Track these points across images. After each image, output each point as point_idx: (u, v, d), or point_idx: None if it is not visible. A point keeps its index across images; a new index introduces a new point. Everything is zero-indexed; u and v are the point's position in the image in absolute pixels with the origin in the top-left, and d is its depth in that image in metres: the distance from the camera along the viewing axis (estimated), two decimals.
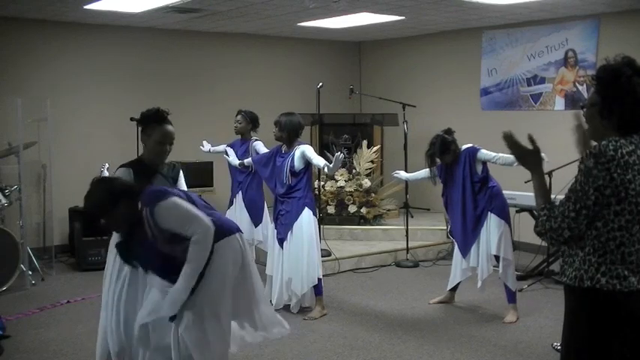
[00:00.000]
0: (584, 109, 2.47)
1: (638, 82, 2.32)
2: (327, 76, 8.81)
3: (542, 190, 2.46)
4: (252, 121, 6.44)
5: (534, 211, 6.31)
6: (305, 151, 5.27)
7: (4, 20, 7.26)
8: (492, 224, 5.24)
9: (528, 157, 2.49)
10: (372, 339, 4.89)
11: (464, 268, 5.45)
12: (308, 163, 5.30)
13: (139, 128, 3.81)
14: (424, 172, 5.59)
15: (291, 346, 4.74)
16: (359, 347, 4.72)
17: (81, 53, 7.83)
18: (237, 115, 6.51)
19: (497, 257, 5.26)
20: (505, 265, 5.23)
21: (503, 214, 5.28)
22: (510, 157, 5.20)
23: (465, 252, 5.38)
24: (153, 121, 3.75)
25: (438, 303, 5.74)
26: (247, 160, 6.08)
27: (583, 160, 2.33)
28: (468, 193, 5.27)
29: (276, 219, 5.47)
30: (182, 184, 3.90)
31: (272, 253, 5.52)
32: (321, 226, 6.82)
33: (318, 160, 5.23)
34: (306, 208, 5.30)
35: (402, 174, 5.97)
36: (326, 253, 6.69)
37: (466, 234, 5.34)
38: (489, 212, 5.25)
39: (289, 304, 5.46)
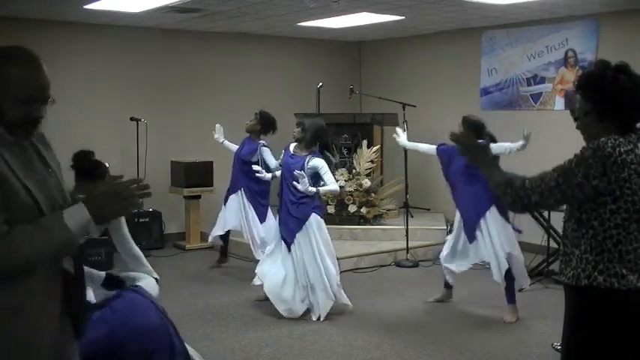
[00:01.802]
0: (577, 120, 2.50)
1: (624, 79, 2.37)
2: (327, 76, 8.82)
3: (496, 173, 2.49)
4: (262, 124, 6.40)
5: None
6: (318, 166, 5.20)
7: (4, 20, 7.26)
8: (493, 221, 5.22)
9: (474, 154, 2.54)
10: (372, 339, 4.89)
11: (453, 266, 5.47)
12: (317, 176, 5.24)
13: None
14: (427, 147, 5.62)
15: (291, 346, 4.74)
16: (359, 347, 4.72)
17: (81, 53, 7.83)
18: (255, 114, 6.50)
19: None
20: (516, 262, 5.25)
21: (505, 214, 5.26)
22: (502, 145, 5.17)
23: (471, 237, 5.31)
24: None
25: (436, 302, 5.75)
26: (279, 173, 5.80)
27: (582, 150, 2.35)
28: (477, 179, 5.17)
29: (281, 221, 5.40)
30: None
31: (276, 253, 5.46)
32: None
33: (329, 179, 5.20)
34: (313, 214, 5.28)
35: (403, 138, 5.83)
36: None
37: (471, 218, 5.29)
38: (493, 207, 5.20)
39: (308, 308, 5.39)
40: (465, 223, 5.37)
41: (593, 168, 2.29)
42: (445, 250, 5.55)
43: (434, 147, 5.59)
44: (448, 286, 5.72)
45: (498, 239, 5.19)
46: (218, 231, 6.73)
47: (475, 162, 2.56)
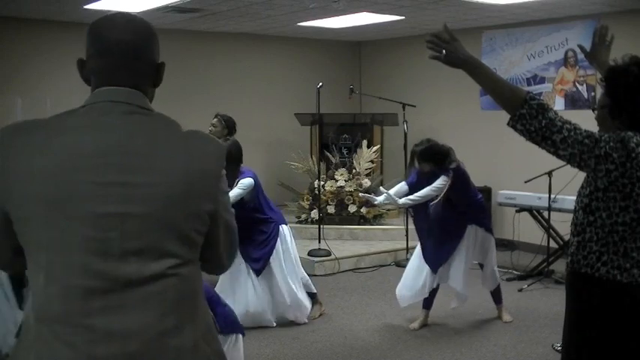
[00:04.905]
0: (595, 112, 2.48)
1: None
2: (327, 76, 8.81)
3: (496, 79, 2.42)
4: (228, 127, 6.10)
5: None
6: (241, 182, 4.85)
7: (4, 20, 7.26)
8: (480, 237, 5.01)
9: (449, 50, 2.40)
10: (372, 339, 4.89)
11: (419, 288, 5.08)
12: (254, 193, 4.93)
13: None
14: (401, 185, 5.11)
15: (291, 346, 4.74)
16: (359, 347, 4.72)
17: (81, 53, 7.78)
18: (213, 118, 6.18)
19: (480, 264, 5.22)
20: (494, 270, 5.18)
21: (490, 227, 5.08)
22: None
23: (435, 267, 4.98)
24: None
25: (420, 327, 5.18)
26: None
27: (613, 133, 2.28)
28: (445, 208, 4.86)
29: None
30: None
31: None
32: (321, 226, 6.86)
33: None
34: (280, 227, 5.08)
35: (390, 194, 4.99)
36: (326, 253, 6.69)
37: (439, 249, 4.96)
38: (475, 225, 4.97)
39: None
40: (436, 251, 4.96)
41: (617, 152, 2.20)
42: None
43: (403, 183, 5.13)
44: (427, 306, 5.21)
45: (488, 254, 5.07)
46: None
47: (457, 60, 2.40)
